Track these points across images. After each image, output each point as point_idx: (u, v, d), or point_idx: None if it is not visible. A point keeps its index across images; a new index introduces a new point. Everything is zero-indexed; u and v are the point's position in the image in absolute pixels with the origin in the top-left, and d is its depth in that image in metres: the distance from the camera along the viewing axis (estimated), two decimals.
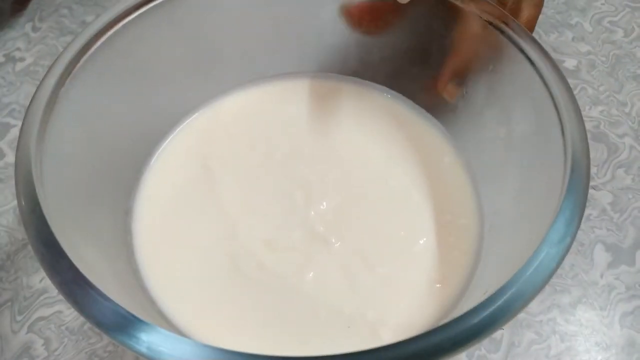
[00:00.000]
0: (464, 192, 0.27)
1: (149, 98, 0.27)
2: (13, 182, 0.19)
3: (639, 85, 0.37)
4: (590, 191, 0.30)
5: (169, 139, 0.28)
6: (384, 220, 0.26)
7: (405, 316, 0.23)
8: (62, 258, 0.17)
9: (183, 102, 0.29)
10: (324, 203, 0.26)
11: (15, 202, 0.32)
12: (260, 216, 0.26)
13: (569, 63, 0.38)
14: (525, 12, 0.26)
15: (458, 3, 0.25)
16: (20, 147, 0.20)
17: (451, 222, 0.26)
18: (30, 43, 0.39)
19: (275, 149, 0.28)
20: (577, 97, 0.25)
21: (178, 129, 0.29)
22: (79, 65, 0.22)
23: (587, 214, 0.32)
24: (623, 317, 0.29)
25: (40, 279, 0.29)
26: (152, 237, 0.25)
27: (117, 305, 0.17)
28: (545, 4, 0.28)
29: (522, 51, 0.23)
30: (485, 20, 0.24)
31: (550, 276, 0.17)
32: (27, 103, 0.21)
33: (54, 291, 0.29)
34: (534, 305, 0.29)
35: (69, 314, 0.28)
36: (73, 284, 0.17)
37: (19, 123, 0.34)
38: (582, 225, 0.28)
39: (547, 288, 0.29)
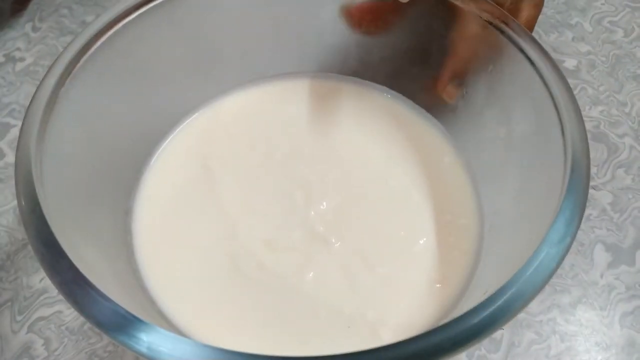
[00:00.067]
0: (464, 192, 0.27)
1: (149, 98, 0.27)
2: (13, 182, 0.19)
3: (639, 85, 0.37)
4: (590, 191, 0.30)
5: (169, 139, 0.28)
6: (384, 220, 0.26)
7: (405, 316, 0.23)
8: (62, 258, 0.17)
9: (183, 102, 0.29)
10: (324, 203, 0.26)
11: (15, 202, 0.32)
12: (260, 216, 0.26)
13: (569, 63, 0.38)
14: (525, 12, 0.26)
15: (458, 3, 0.25)
16: (20, 147, 0.20)
17: (451, 222, 0.26)
18: (30, 43, 0.39)
19: (275, 149, 0.28)
20: (577, 97, 0.25)
21: (178, 129, 0.29)
22: (79, 65, 0.22)
23: (587, 214, 0.32)
24: (623, 317, 0.29)
25: (40, 279, 0.29)
26: (152, 237, 0.25)
27: (117, 305, 0.17)
28: (545, 4, 0.28)
29: (522, 51, 0.23)
30: (485, 20, 0.24)
31: (550, 276, 0.17)
32: (27, 103, 0.21)
33: (54, 291, 0.29)
34: (534, 305, 0.29)
35: (69, 314, 0.28)
36: (73, 284, 0.17)
37: (19, 123, 0.34)
38: (582, 225, 0.28)
39: (547, 288, 0.29)
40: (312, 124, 0.29)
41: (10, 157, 0.34)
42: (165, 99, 0.28)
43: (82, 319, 0.23)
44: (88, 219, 0.22)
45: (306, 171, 0.27)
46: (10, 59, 0.38)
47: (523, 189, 0.23)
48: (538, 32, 0.40)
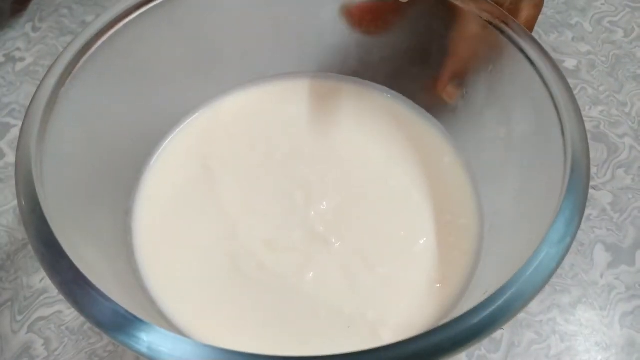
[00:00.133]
0: (464, 192, 0.27)
1: (149, 98, 0.27)
2: (13, 182, 0.19)
3: (639, 85, 0.37)
4: (590, 191, 0.30)
5: (169, 139, 0.28)
6: (384, 220, 0.26)
7: (405, 316, 0.23)
8: (62, 258, 0.17)
9: (183, 102, 0.29)
10: (324, 203, 0.26)
11: (15, 202, 0.32)
12: (260, 216, 0.26)
13: (569, 63, 0.38)
14: (525, 12, 0.26)
15: (458, 3, 0.25)
16: (21, 147, 0.20)
17: (451, 222, 0.26)
18: (30, 43, 0.39)
19: (275, 149, 0.28)
20: (577, 97, 0.25)
21: (178, 129, 0.29)
22: (79, 65, 0.22)
23: (587, 214, 0.32)
24: (623, 317, 0.29)
25: (40, 279, 0.29)
26: (152, 237, 0.25)
27: (117, 305, 0.17)
28: (545, 4, 0.28)
29: (522, 51, 0.23)
30: (485, 20, 0.24)
31: (550, 276, 0.17)
32: (27, 103, 0.21)
33: (54, 291, 0.29)
34: (534, 305, 0.29)
35: (69, 314, 0.28)
36: (73, 284, 0.17)
37: (19, 123, 0.34)
38: (582, 225, 0.28)
39: (547, 288, 0.29)
40: (312, 124, 0.29)
41: (11, 157, 0.34)
42: (165, 99, 0.28)
43: (82, 319, 0.23)
44: (88, 219, 0.22)
45: (306, 171, 0.27)
46: (10, 59, 0.38)
47: (523, 189, 0.23)
48: (538, 32, 0.40)
